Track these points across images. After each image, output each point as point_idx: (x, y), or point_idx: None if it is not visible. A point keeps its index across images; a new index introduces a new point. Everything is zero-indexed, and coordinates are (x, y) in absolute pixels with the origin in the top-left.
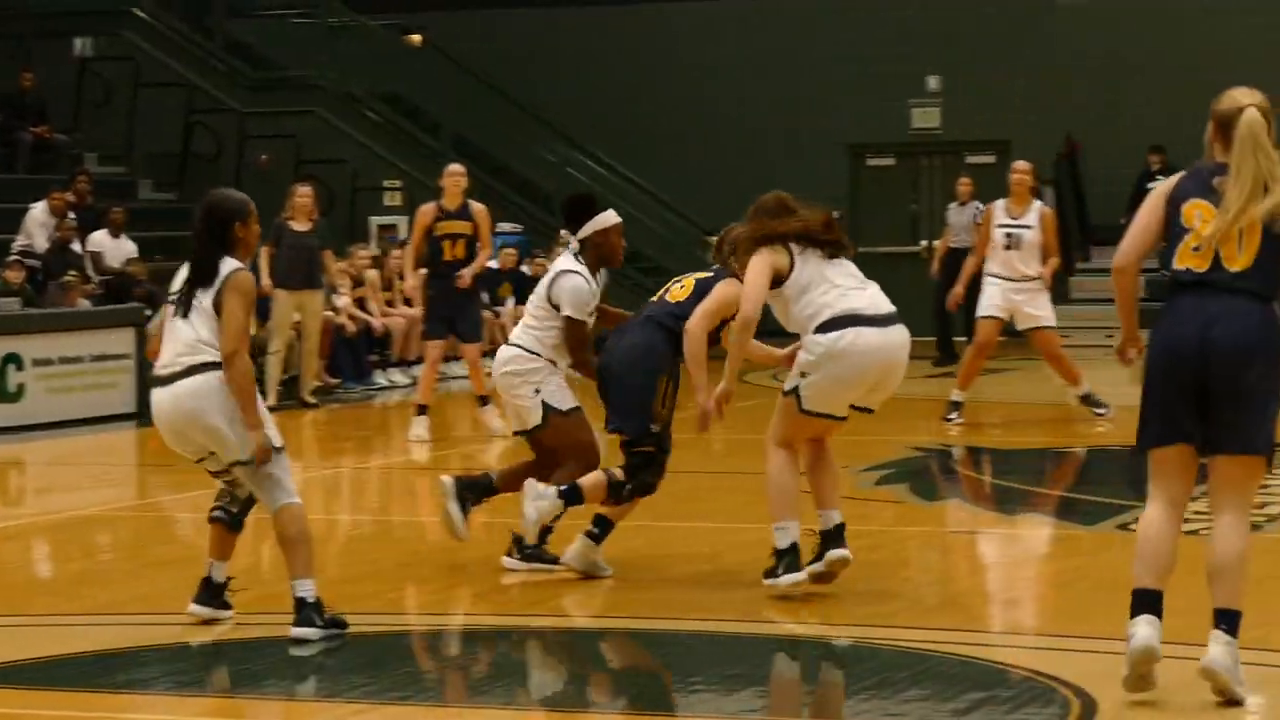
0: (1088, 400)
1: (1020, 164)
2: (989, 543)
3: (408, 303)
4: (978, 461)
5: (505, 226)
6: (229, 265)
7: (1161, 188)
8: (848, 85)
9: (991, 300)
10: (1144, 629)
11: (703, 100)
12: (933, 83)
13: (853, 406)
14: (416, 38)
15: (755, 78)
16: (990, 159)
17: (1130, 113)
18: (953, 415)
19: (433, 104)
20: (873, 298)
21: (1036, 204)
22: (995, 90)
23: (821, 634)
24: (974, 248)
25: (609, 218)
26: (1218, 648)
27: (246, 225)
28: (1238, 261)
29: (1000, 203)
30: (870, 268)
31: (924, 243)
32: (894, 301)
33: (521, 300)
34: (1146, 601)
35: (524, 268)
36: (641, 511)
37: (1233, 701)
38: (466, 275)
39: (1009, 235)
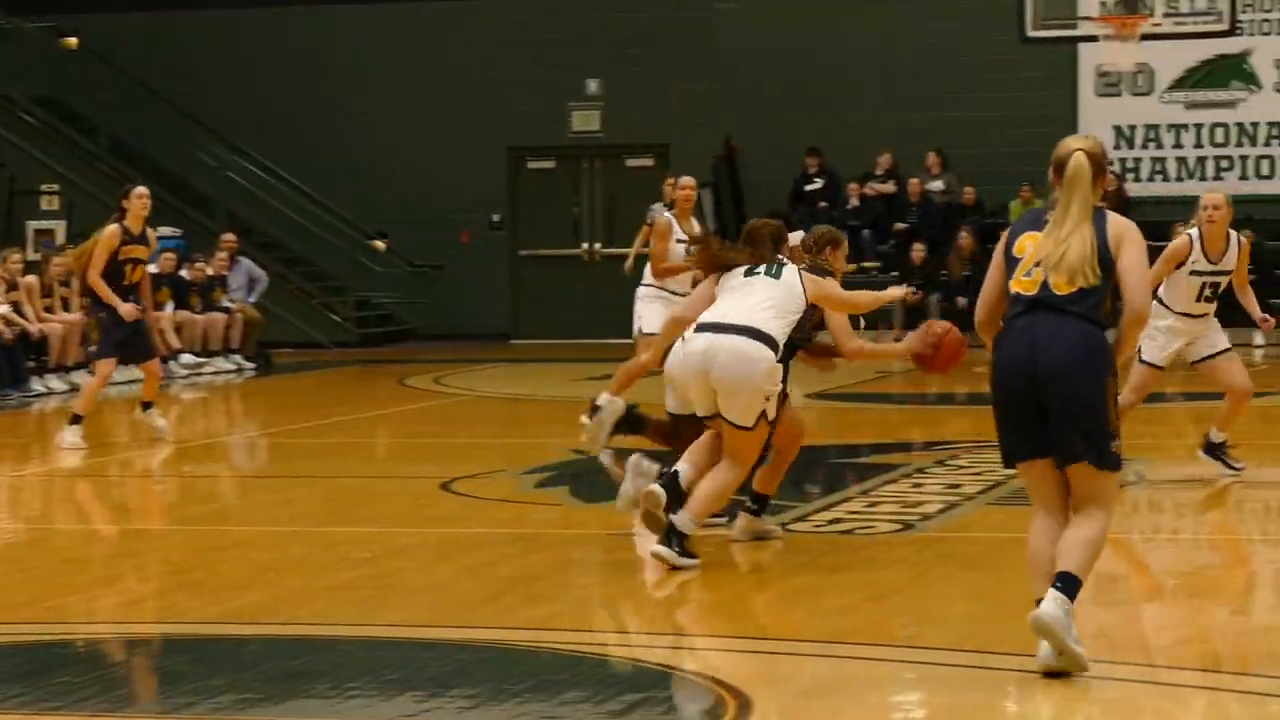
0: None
1: (686, 180)
2: (648, 544)
3: (66, 308)
4: None
5: (165, 231)
6: None
7: (1000, 246)
8: (507, 88)
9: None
10: (1045, 607)
11: (364, 103)
12: (593, 86)
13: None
14: (72, 40)
15: (415, 80)
16: (649, 162)
17: (789, 115)
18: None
19: (90, 107)
20: (726, 311)
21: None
22: (655, 94)
23: (466, 639)
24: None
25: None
26: (1050, 604)
27: None
28: (1063, 288)
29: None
30: (530, 270)
31: (585, 245)
32: (554, 304)
33: (181, 305)
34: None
35: (183, 272)
36: (302, 517)
37: (1060, 670)
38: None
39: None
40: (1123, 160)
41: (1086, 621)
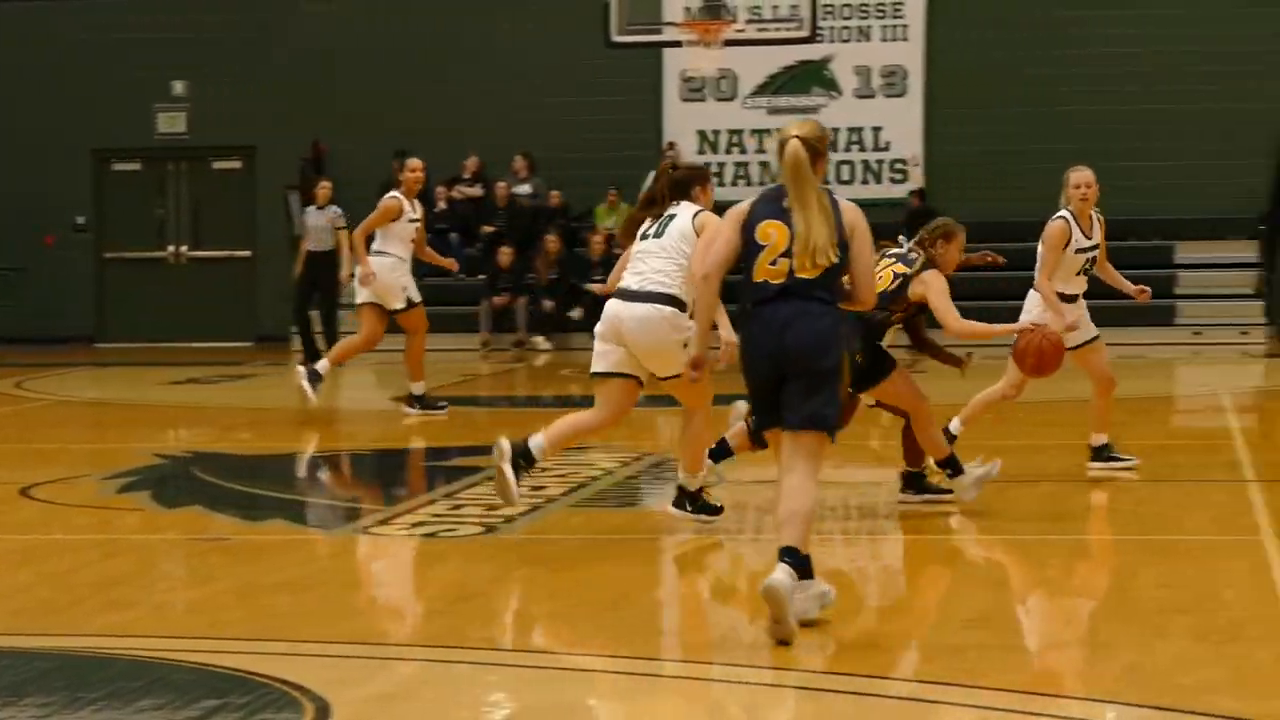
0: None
1: (414, 161)
2: (230, 549)
3: None
4: (223, 468)
5: None
6: None
7: (735, 212)
8: (92, 90)
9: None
10: (776, 573)
11: None
12: (178, 87)
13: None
14: None
15: None
16: (236, 164)
17: (377, 117)
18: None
19: None
20: (628, 279)
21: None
22: (242, 95)
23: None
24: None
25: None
26: (780, 574)
27: None
28: (808, 272)
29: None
30: (116, 273)
31: (171, 248)
32: (139, 307)
33: None
34: (781, 554)
35: None
36: None
37: (785, 638)
38: None
39: None
40: (707, 165)
41: (661, 622)
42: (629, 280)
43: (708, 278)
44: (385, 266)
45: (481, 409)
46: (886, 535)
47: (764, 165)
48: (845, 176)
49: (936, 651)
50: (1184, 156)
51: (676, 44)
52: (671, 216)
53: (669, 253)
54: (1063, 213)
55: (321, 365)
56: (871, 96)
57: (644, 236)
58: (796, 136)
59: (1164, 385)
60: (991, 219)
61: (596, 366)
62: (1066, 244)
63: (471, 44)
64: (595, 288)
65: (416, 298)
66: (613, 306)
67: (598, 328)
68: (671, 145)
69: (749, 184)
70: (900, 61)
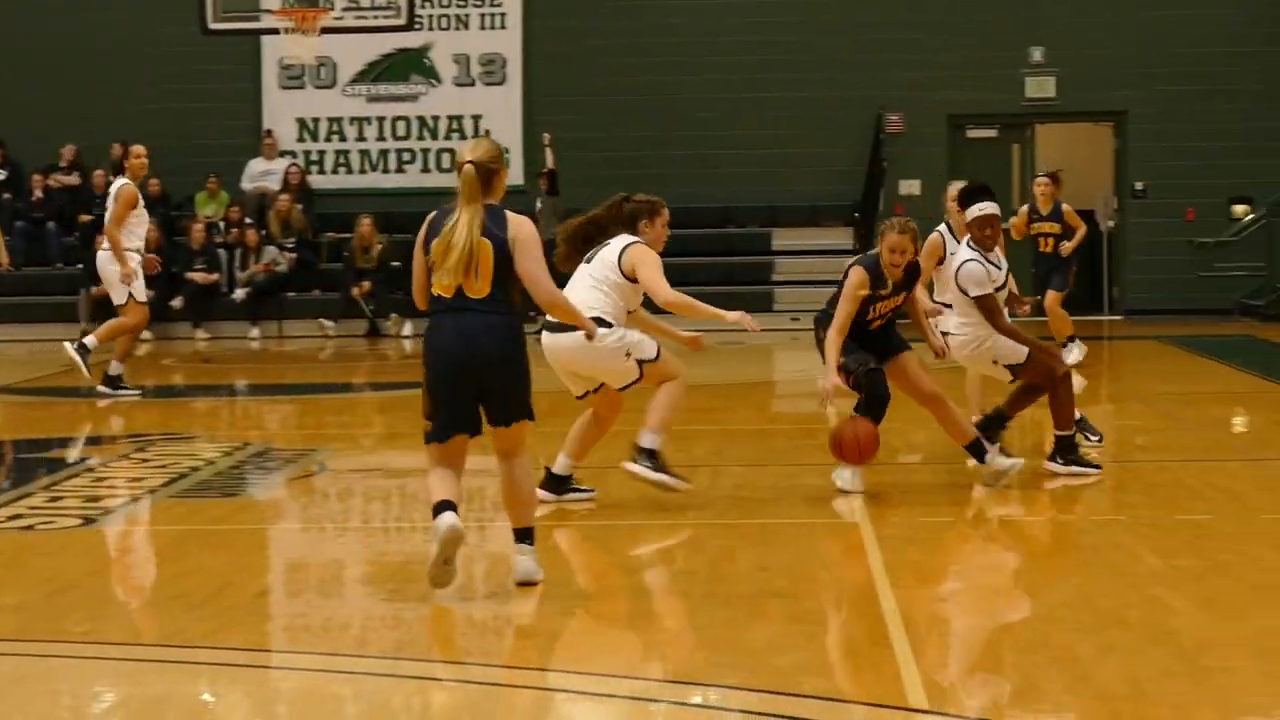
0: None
1: (137, 148)
2: None
3: None
4: None
5: None
6: None
7: (420, 236)
8: None
9: None
10: (448, 517)
11: None
12: None
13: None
14: None
15: None
16: None
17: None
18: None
19: None
20: None
21: None
22: None
23: None
24: None
25: (987, 207)
26: (524, 559)
27: None
28: (477, 288)
29: None
30: None
31: None
32: None
33: None
34: (445, 506)
35: None
36: None
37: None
38: None
39: None
40: (307, 153)
41: (264, 611)
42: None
43: (418, 302)
44: (106, 258)
45: (83, 400)
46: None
47: (363, 154)
48: (446, 165)
49: (535, 638)
50: (780, 144)
51: (274, 31)
52: (605, 245)
53: (595, 280)
54: (939, 229)
55: (89, 341)
56: (471, 85)
57: (587, 261)
58: (470, 161)
59: (763, 370)
60: (589, 206)
61: (575, 392)
62: (942, 259)
63: (65, 30)
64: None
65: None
66: (546, 340)
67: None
68: (269, 133)
69: (349, 171)
70: (499, 49)
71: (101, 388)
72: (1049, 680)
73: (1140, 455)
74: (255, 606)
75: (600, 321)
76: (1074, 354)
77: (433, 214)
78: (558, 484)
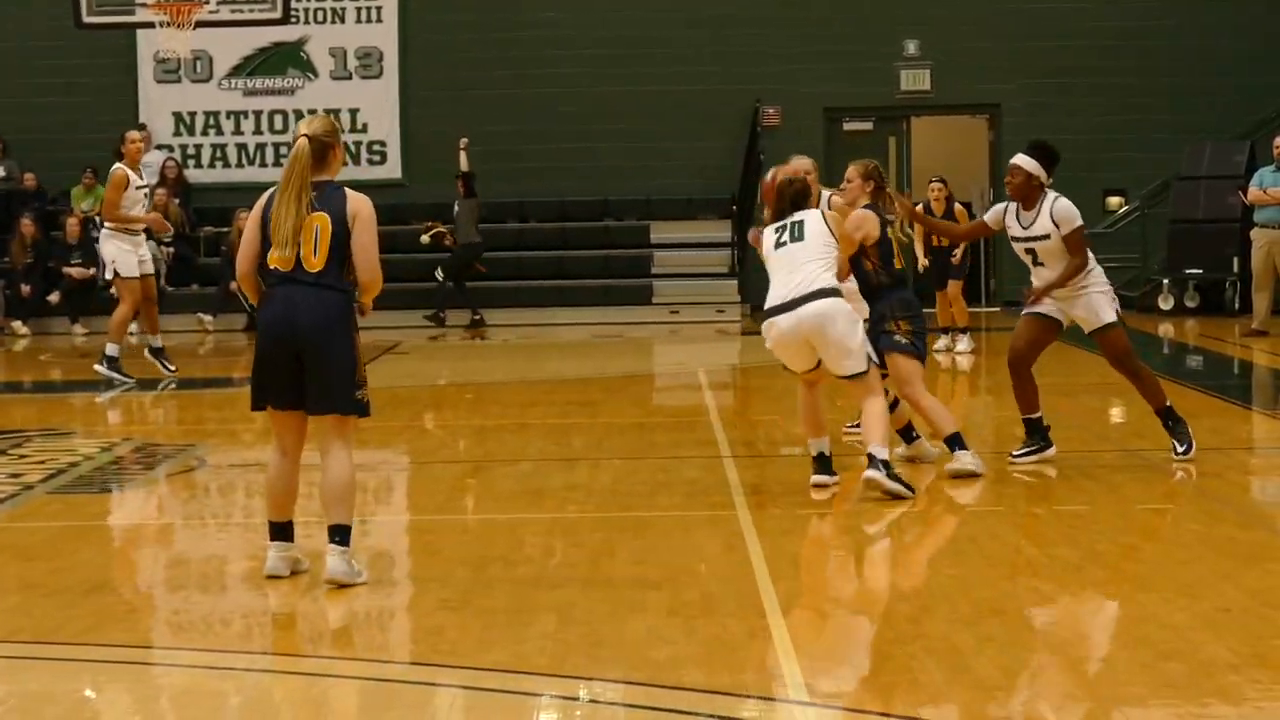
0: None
1: (134, 134)
2: None
3: None
4: None
5: None
6: None
7: (256, 208)
8: None
9: None
10: (273, 554)
11: None
12: None
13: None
14: None
15: None
16: None
17: None
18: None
19: None
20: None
21: None
22: None
23: None
24: None
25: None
26: (333, 559)
27: None
28: (313, 262)
29: None
30: None
31: None
32: None
33: None
34: (276, 530)
35: None
36: None
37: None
38: None
39: None
40: (184, 147)
41: (143, 607)
42: (787, 291)
43: (245, 277)
44: (113, 237)
45: None
46: (376, 519)
47: (241, 148)
48: None
49: (416, 633)
50: (657, 137)
51: (149, 25)
52: (800, 222)
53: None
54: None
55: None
56: (348, 78)
57: (779, 245)
58: (305, 135)
59: (642, 363)
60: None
61: (798, 368)
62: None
63: None
64: None
65: (150, 269)
66: (787, 320)
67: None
68: (144, 127)
69: (226, 165)
70: (375, 43)
71: (98, 366)
72: (927, 671)
73: (1018, 447)
74: (135, 603)
75: (839, 292)
76: (962, 344)
77: (272, 188)
78: (826, 464)
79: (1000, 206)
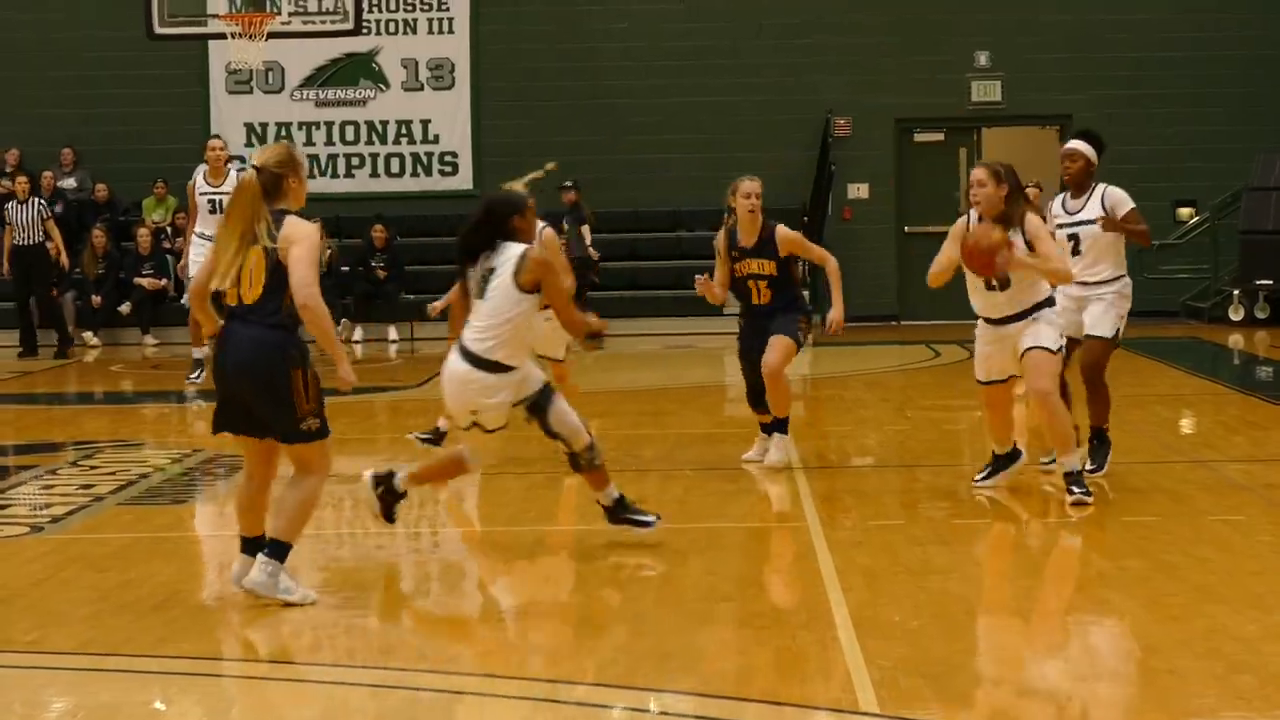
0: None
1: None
2: None
3: None
4: None
5: None
6: None
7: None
8: None
9: None
10: (237, 565)
11: None
12: None
13: None
14: None
15: None
16: None
17: None
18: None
19: None
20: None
21: None
22: None
23: None
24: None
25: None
26: (255, 569)
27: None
28: (249, 295)
29: None
30: None
31: None
32: None
33: None
34: (245, 544)
35: None
36: None
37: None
38: None
39: None
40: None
41: (211, 620)
42: None
43: (193, 296)
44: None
45: (35, 406)
46: (445, 528)
47: (313, 159)
48: (395, 169)
49: (488, 644)
50: (728, 148)
51: (221, 36)
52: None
53: None
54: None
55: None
56: (420, 89)
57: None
58: (254, 166)
59: (714, 374)
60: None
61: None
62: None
63: (9, 33)
64: None
65: None
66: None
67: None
68: (217, 136)
69: None
70: (447, 54)
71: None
72: (998, 683)
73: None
74: (204, 614)
75: None
76: None
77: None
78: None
79: (1054, 201)
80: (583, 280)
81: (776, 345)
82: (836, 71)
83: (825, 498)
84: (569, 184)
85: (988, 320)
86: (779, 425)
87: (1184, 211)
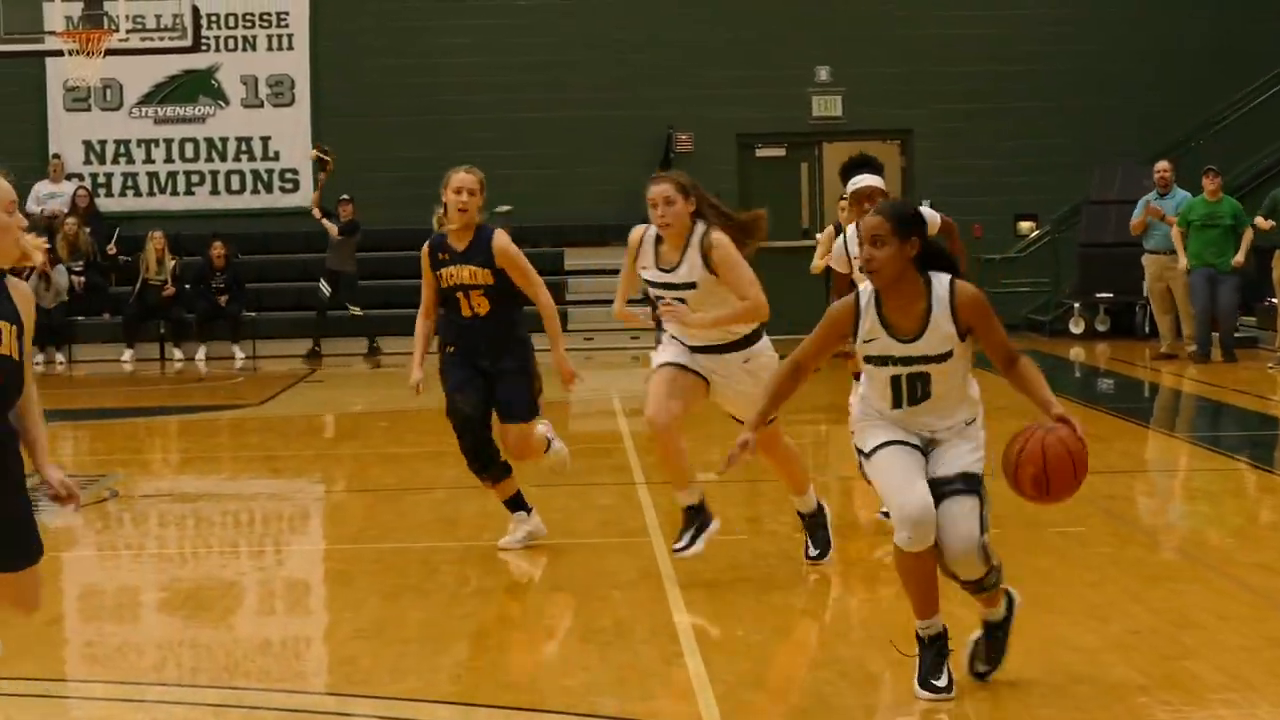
0: None
1: None
2: None
3: None
4: None
5: None
6: None
7: None
8: None
9: None
10: None
11: None
12: None
13: None
14: None
15: None
16: None
17: None
18: None
19: None
20: None
21: None
22: None
23: None
24: None
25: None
26: None
27: None
28: None
29: None
30: None
31: None
32: None
33: None
34: None
35: None
36: None
37: None
38: None
39: None
40: (94, 175)
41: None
42: None
43: None
44: None
45: None
46: (288, 545)
47: (152, 175)
48: (235, 187)
49: (330, 662)
50: (570, 164)
51: (58, 53)
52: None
53: None
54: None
55: None
56: (260, 106)
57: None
58: None
59: (558, 390)
60: (380, 226)
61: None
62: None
63: None
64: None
65: None
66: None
67: None
68: (57, 156)
69: (138, 194)
70: (287, 70)
71: None
72: (840, 695)
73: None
74: (47, 634)
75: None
76: None
77: None
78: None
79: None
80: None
81: (513, 433)
82: (678, 87)
83: (669, 512)
84: (346, 197)
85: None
86: (519, 502)
87: (1024, 225)
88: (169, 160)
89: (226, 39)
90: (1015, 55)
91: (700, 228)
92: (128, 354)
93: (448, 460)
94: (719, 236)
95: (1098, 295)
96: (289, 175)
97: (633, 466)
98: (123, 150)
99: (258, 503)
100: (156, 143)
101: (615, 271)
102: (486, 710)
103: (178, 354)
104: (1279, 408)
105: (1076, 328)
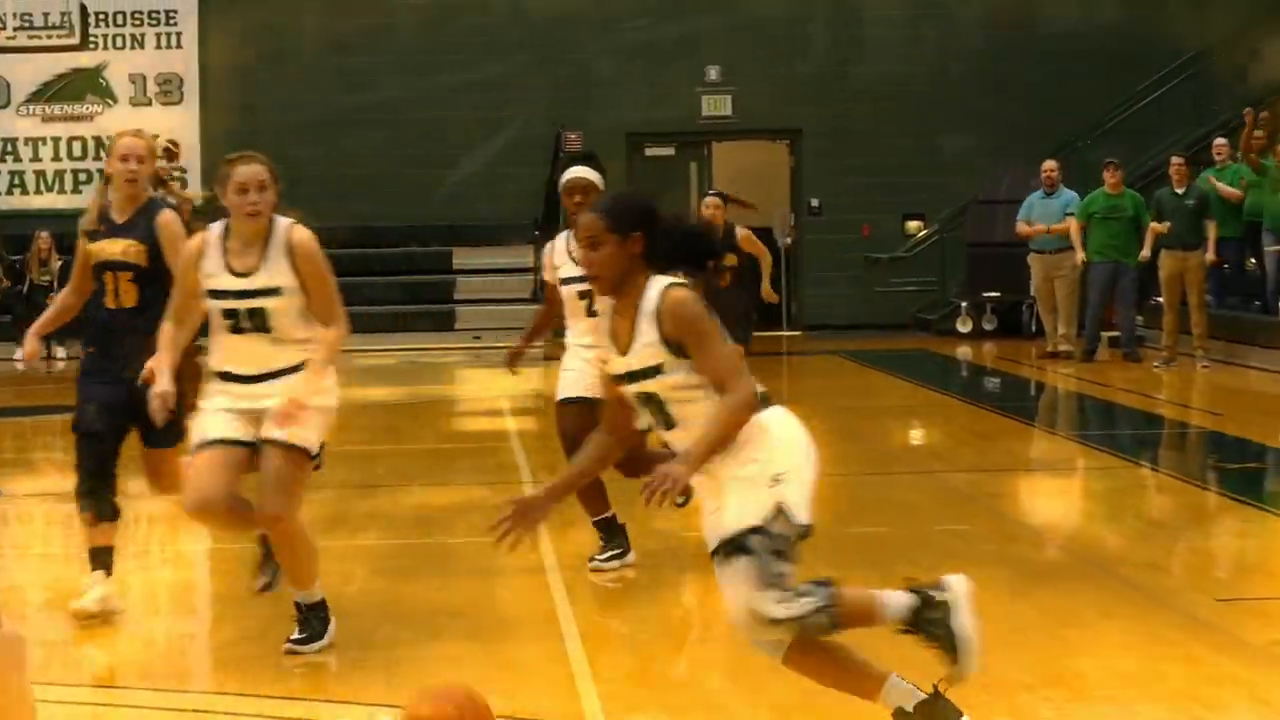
0: None
1: None
2: None
3: None
4: None
5: None
6: None
7: None
8: None
9: None
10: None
11: None
12: None
13: None
14: None
15: None
16: None
17: None
18: None
19: None
20: None
21: None
22: None
23: None
24: None
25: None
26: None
27: None
28: None
29: None
30: None
31: None
32: None
33: None
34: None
35: None
36: None
37: None
38: None
39: None
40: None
41: None
42: None
43: None
44: None
45: None
46: (173, 545)
47: (39, 174)
48: None
49: (215, 663)
50: (461, 163)
51: None
52: None
53: None
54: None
55: None
56: (148, 104)
57: None
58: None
59: (444, 389)
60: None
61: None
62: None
63: None
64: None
65: None
66: None
67: None
68: None
69: (25, 192)
70: (175, 69)
71: None
72: (723, 693)
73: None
74: None
75: None
76: None
77: None
78: None
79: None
80: None
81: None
82: (567, 86)
83: (556, 511)
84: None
85: None
86: (105, 558)
87: (912, 225)
88: (57, 158)
89: (115, 37)
90: (904, 56)
91: None
92: (19, 353)
93: (334, 458)
94: None
95: (985, 294)
96: (177, 173)
97: (520, 465)
98: (10, 149)
99: (143, 503)
100: (44, 141)
101: (504, 271)
102: (374, 709)
103: (60, 352)
104: (1165, 406)
105: (964, 327)
